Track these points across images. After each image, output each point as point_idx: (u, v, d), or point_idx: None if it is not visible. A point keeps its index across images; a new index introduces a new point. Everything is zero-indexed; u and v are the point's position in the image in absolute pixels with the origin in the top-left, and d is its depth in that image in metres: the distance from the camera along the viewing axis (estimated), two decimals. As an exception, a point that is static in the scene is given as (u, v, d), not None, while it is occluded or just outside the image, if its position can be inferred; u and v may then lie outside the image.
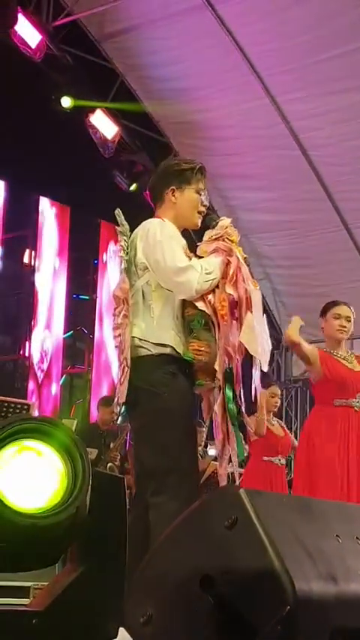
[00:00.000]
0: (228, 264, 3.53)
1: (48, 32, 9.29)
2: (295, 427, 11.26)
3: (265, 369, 3.62)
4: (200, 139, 10.07)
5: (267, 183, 9.94)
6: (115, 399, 3.52)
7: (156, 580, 2.25)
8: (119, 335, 3.47)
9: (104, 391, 10.75)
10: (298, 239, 10.42)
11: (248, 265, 3.67)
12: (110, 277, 11.57)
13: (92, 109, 9.90)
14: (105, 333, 11.50)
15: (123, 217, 3.59)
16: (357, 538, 2.41)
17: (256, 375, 3.62)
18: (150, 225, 3.59)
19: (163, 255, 3.46)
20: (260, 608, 2.06)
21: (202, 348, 3.45)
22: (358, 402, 5.20)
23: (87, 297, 11.65)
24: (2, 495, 2.33)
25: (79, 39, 9.81)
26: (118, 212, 3.59)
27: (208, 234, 3.70)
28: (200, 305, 3.46)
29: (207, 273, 3.45)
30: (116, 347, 3.56)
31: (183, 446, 3.40)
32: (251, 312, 3.50)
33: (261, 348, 3.51)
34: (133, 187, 10.37)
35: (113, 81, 10.24)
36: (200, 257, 3.62)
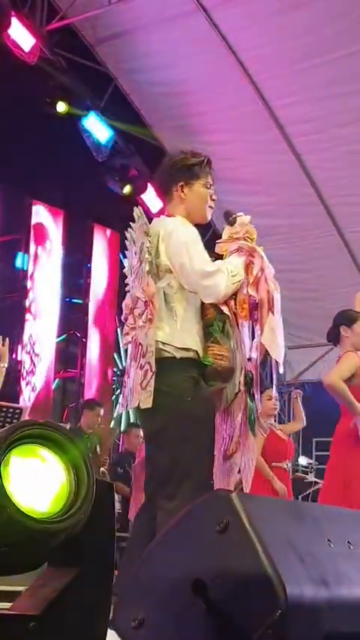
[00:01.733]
0: (249, 264, 3.47)
1: (42, 36, 9.29)
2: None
3: (281, 371, 3.59)
4: (194, 143, 10.06)
5: (261, 188, 9.95)
6: (123, 403, 3.44)
7: (148, 584, 2.25)
8: (134, 338, 3.39)
9: (97, 395, 10.74)
10: (292, 243, 10.43)
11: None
12: (102, 280, 11.56)
13: (86, 113, 9.90)
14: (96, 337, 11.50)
15: (145, 217, 3.50)
16: (348, 542, 2.41)
17: (275, 378, 3.61)
18: (172, 227, 3.50)
19: (189, 258, 3.39)
20: (252, 613, 2.06)
21: (223, 353, 3.40)
22: None
23: (80, 301, 11.63)
24: (15, 499, 2.34)
25: (73, 43, 9.81)
26: (139, 212, 3.50)
27: (228, 231, 3.64)
28: (225, 309, 3.41)
29: (233, 276, 3.39)
30: (125, 349, 3.50)
31: (202, 454, 3.34)
32: (273, 313, 3.45)
33: (281, 350, 3.48)
34: (126, 191, 10.38)
35: (107, 85, 10.25)
36: (220, 255, 3.57)
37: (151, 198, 10.25)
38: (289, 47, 8.88)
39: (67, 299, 11.51)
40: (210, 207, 3.67)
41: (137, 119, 10.53)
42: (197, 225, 3.65)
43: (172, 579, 2.18)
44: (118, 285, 11.86)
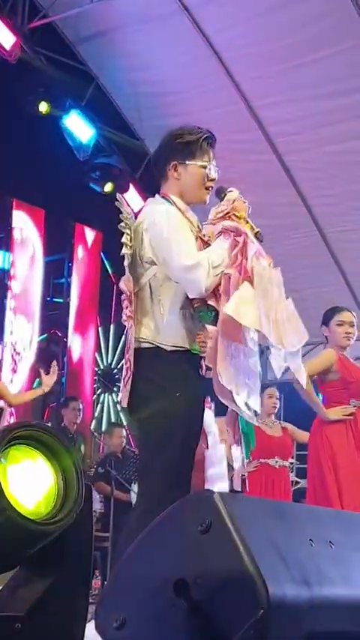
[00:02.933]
0: (236, 245, 3.28)
1: (23, 34, 9.25)
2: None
3: (289, 348, 3.21)
4: (176, 143, 10.06)
5: (242, 187, 9.90)
6: (120, 398, 3.33)
7: (130, 584, 2.25)
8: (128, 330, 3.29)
9: (79, 394, 10.71)
10: (273, 243, 10.42)
11: (261, 241, 3.43)
12: (83, 280, 11.53)
13: (67, 112, 9.88)
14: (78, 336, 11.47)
15: (126, 206, 3.35)
16: (330, 542, 2.42)
17: (275, 359, 3.27)
18: (157, 217, 3.33)
19: (170, 252, 3.24)
20: (234, 613, 2.06)
21: (204, 339, 3.28)
22: None
23: (61, 301, 11.60)
24: (14, 500, 2.35)
25: (55, 41, 9.78)
26: (119, 202, 3.35)
27: (214, 211, 3.44)
28: (211, 301, 3.25)
29: (214, 267, 3.21)
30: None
31: (183, 454, 3.21)
32: (250, 284, 3.20)
33: (265, 321, 3.15)
34: (107, 189, 10.35)
35: (88, 84, 10.22)
36: (207, 240, 3.40)
37: (133, 197, 10.24)
38: (271, 48, 8.88)
39: (49, 298, 11.47)
40: (207, 188, 3.48)
41: (119, 118, 10.51)
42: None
43: (154, 579, 2.18)
44: (100, 284, 11.85)
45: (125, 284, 3.29)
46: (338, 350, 5.33)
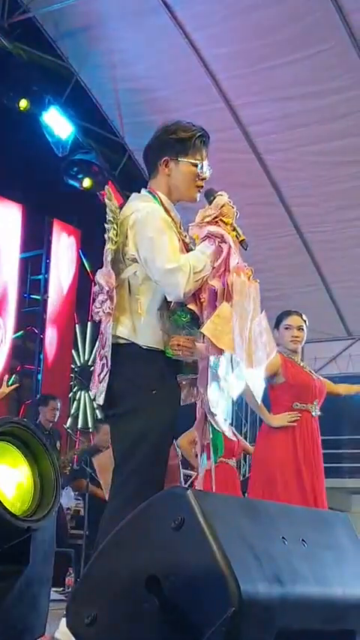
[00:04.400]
0: (220, 252, 3.25)
1: (3, 29, 9.21)
2: (245, 430, 11.31)
3: (257, 369, 3.27)
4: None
5: (220, 186, 9.92)
6: (92, 394, 3.28)
7: (102, 580, 2.24)
8: (100, 323, 3.26)
9: (55, 392, 10.67)
10: (253, 243, 10.42)
11: (245, 249, 3.39)
12: (61, 277, 11.50)
13: (47, 108, 9.85)
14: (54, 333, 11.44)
15: (114, 200, 3.30)
16: (302, 540, 2.42)
17: (239, 374, 3.29)
18: (143, 215, 3.27)
19: (152, 253, 3.19)
20: (205, 610, 2.06)
21: (182, 343, 3.22)
22: (315, 407, 5.35)
23: (38, 297, 11.55)
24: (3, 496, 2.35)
25: (35, 37, 9.73)
26: (108, 194, 3.32)
27: (202, 214, 3.38)
28: (191, 305, 3.21)
29: (196, 272, 3.17)
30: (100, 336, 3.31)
31: (157, 453, 3.17)
32: (229, 302, 3.19)
33: (239, 341, 3.16)
34: (86, 185, 10.31)
35: (68, 80, 10.19)
36: (189, 243, 3.36)
37: (110, 195, 10.22)
38: (252, 47, 8.90)
39: (25, 295, 11.42)
40: (198, 186, 3.43)
41: (98, 115, 10.49)
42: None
43: (126, 576, 2.17)
44: (78, 281, 11.82)
45: (105, 279, 3.25)
46: (289, 353, 5.45)
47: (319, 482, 5.24)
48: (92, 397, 3.32)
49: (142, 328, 3.25)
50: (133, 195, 3.48)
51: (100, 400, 3.24)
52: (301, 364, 5.53)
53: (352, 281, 10.78)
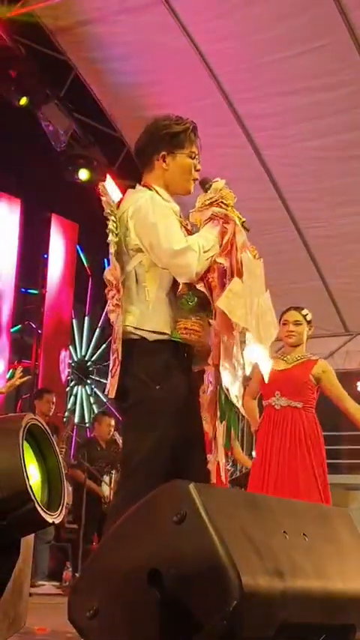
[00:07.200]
0: (225, 232, 3.27)
1: (1, 23, 9.19)
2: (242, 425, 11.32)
3: (264, 345, 3.29)
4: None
5: (220, 182, 9.93)
6: (107, 389, 3.31)
7: (103, 574, 2.24)
8: (113, 322, 3.27)
9: (52, 386, 10.68)
10: (251, 238, 10.41)
11: (248, 230, 3.43)
12: (58, 271, 11.49)
13: (45, 102, 9.83)
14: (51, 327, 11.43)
15: (109, 195, 3.32)
16: (303, 534, 2.43)
17: (248, 353, 3.29)
18: (142, 203, 3.30)
19: (157, 237, 3.20)
20: (207, 603, 2.07)
21: (191, 327, 3.23)
22: (276, 400, 5.34)
23: (36, 292, 11.55)
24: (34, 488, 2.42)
25: (34, 30, 9.71)
26: (103, 188, 3.34)
27: (201, 199, 3.41)
28: (199, 285, 3.21)
29: (205, 251, 3.19)
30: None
31: (163, 446, 3.16)
32: (240, 277, 3.22)
33: (250, 317, 3.18)
34: (84, 177, 10.30)
35: (67, 74, 10.17)
36: (193, 226, 3.38)
37: (110, 188, 10.19)
38: (251, 41, 8.88)
39: (23, 289, 11.42)
40: (194, 179, 3.46)
41: (97, 109, 10.47)
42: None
43: (128, 569, 2.18)
44: (75, 276, 11.82)
45: (111, 273, 3.27)
46: (287, 349, 5.57)
47: (290, 469, 5.22)
48: (106, 392, 3.35)
49: (149, 315, 3.25)
50: (129, 191, 3.50)
51: (112, 394, 3.24)
52: (283, 359, 5.51)
53: (350, 277, 10.77)
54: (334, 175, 9.78)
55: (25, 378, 6.67)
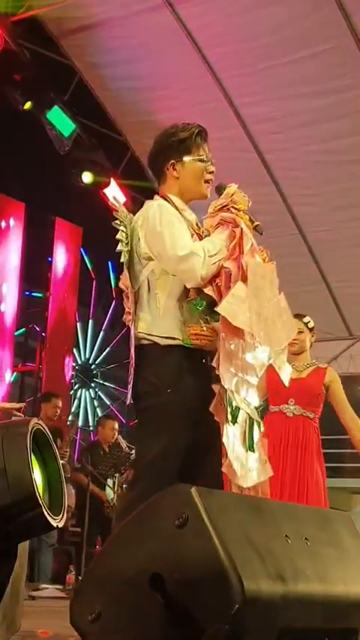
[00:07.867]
0: (233, 236, 3.30)
1: (6, 26, 9.21)
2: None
3: (274, 347, 3.27)
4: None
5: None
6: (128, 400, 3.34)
7: (105, 577, 2.25)
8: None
9: (56, 390, 10.69)
10: (255, 242, 10.40)
11: (261, 233, 3.46)
12: (62, 274, 11.51)
13: (49, 106, 9.84)
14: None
15: (122, 206, 3.37)
16: (306, 539, 2.43)
17: (259, 357, 3.27)
18: (150, 213, 3.36)
19: (164, 245, 3.25)
20: (208, 607, 2.07)
21: (200, 332, 3.24)
22: (289, 407, 5.26)
23: (40, 295, 11.57)
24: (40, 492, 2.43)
25: (38, 35, 9.73)
26: (113, 200, 3.39)
27: (213, 204, 3.44)
28: (208, 290, 3.24)
29: (211, 256, 3.22)
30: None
31: (172, 450, 3.19)
32: (244, 282, 3.23)
33: (256, 321, 3.19)
34: (87, 180, 10.30)
35: (71, 78, 10.19)
36: (207, 233, 3.40)
37: (114, 192, 10.22)
38: (256, 45, 8.89)
39: (27, 292, 11.44)
40: (207, 182, 3.50)
41: (101, 113, 10.49)
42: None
43: (130, 573, 2.18)
44: (79, 279, 11.83)
45: (122, 281, 3.33)
46: (290, 357, 5.39)
47: (301, 480, 5.14)
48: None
49: (160, 320, 3.29)
50: (146, 202, 3.53)
51: (128, 399, 3.30)
52: (294, 364, 5.36)
53: (354, 280, 10.76)
54: (337, 179, 9.79)
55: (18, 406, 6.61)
